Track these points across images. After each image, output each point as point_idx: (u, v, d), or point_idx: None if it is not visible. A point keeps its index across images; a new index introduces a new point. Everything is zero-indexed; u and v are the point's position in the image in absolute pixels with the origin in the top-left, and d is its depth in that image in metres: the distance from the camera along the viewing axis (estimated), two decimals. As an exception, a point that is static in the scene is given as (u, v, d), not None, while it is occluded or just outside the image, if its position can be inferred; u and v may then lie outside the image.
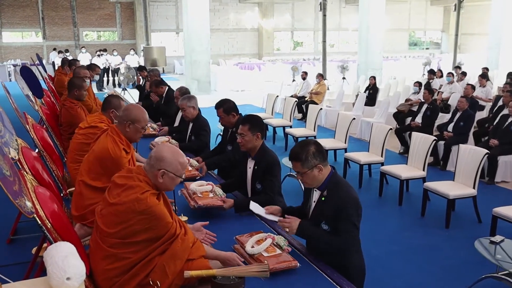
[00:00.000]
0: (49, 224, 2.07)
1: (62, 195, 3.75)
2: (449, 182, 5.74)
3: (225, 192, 3.68)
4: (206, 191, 3.45)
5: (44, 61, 23.15)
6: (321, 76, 12.31)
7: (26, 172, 2.84)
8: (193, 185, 3.47)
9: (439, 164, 7.75)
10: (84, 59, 19.05)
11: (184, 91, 5.91)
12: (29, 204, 1.97)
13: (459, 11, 21.07)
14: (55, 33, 25.86)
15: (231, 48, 28.78)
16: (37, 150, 3.81)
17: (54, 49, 23.02)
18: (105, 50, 20.74)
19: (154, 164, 2.41)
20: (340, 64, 17.27)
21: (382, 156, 6.85)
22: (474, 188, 5.46)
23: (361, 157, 6.96)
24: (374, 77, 12.10)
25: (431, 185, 5.68)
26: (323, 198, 2.81)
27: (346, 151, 7.58)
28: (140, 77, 10.07)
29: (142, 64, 16.89)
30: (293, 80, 15.74)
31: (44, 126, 4.80)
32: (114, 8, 26.69)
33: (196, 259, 2.36)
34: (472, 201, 5.57)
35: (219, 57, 26.78)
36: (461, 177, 5.63)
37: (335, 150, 8.23)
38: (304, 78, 12.88)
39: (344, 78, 15.57)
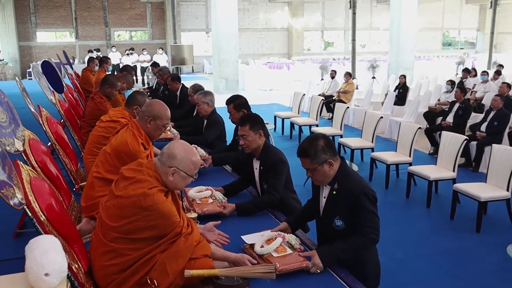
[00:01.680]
0: (43, 217, 1.96)
1: (74, 189, 3.69)
2: (480, 183, 5.46)
3: (229, 194, 3.54)
4: (205, 197, 3.29)
5: (76, 60, 23.67)
6: (349, 75, 12.05)
7: (29, 164, 2.77)
8: (192, 192, 3.32)
9: (471, 166, 7.42)
10: (114, 58, 19.33)
11: (197, 88, 5.83)
12: (19, 195, 1.86)
13: (495, 9, 20.43)
14: (87, 33, 26.27)
15: (261, 48, 28.66)
16: (49, 143, 3.75)
17: (90, 51, 23.39)
18: (132, 49, 20.97)
19: (165, 161, 2.29)
20: (370, 62, 16.92)
21: (410, 156, 6.59)
22: (508, 190, 5.16)
23: (388, 156, 6.71)
24: (404, 76, 11.75)
25: (462, 186, 5.40)
26: (334, 192, 2.62)
27: (373, 151, 7.34)
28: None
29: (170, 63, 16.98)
30: (322, 79, 15.49)
31: (62, 121, 4.77)
32: (145, 8, 26.94)
33: (199, 258, 2.21)
34: (506, 204, 5.28)
35: (248, 56, 26.70)
36: (493, 179, 5.34)
37: (361, 150, 8.00)
38: (332, 77, 12.64)
39: (373, 77, 15.22)
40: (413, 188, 6.37)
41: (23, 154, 2.77)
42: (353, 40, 16.98)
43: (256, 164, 3.51)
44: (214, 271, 2.10)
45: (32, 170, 2.24)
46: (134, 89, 9.22)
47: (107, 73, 9.26)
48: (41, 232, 1.89)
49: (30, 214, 1.88)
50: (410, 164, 6.50)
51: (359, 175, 2.67)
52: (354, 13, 16.56)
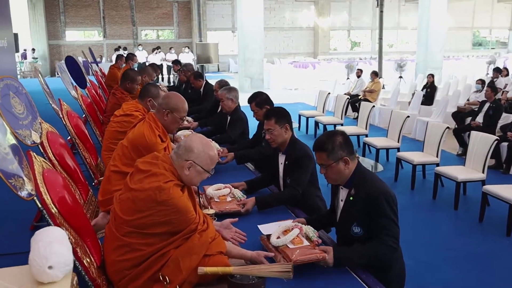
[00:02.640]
0: (54, 209, 1.91)
1: (93, 184, 3.67)
2: (512, 186, 5.25)
3: (251, 190, 3.45)
4: (224, 195, 3.21)
5: (103, 59, 23.98)
6: (375, 74, 11.84)
7: (46, 157, 2.74)
8: (210, 190, 3.25)
9: (501, 168, 7.17)
10: (140, 56, 19.49)
11: (223, 84, 5.79)
12: (29, 186, 1.82)
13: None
14: (115, 32, 26.60)
15: (286, 47, 28.54)
16: (69, 137, 3.74)
17: (117, 49, 23.66)
18: (159, 48, 21.13)
19: (182, 154, 2.22)
20: (397, 62, 16.64)
21: (437, 156, 6.40)
22: (540, 193, 4.95)
23: (415, 157, 6.53)
24: (432, 75, 11.48)
25: (491, 188, 5.20)
26: (351, 198, 2.49)
27: (398, 151, 7.16)
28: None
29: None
30: (347, 78, 15.30)
31: (84, 116, 4.77)
32: (172, 7, 27.12)
33: (214, 255, 2.14)
34: (538, 207, 5.05)
35: (274, 55, 26.61)
36: (525, 181, 5.13)
37: (387, 149, 7.81)
38: (358, 76, 12.44)
39: (400, 77, 14.94)
40: (440, 189, 6.18)
41: (40, 146, 2.74)
42: (380, 39, 16.73)
43: (282, 159, 3.42)
44: (229, 269, 2.02)
45: (46, 161, 2.20)
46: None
47: None
48: (52, 225, 1.84)
49: (40, 206, 1.84)
50: (437, 165, 6.31)
51: (377, 176, 2.53)
52: (381, 12, 16.30)
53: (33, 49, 23.93)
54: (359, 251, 2.34)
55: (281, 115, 3.36)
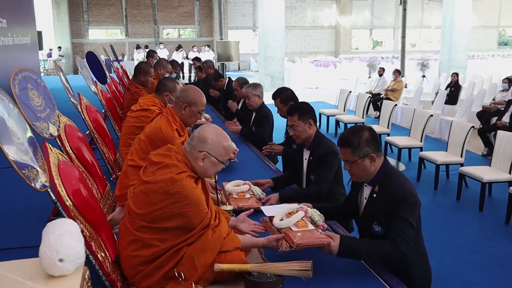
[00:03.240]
0: (69, 202, 1.87)
1: (111, 178, 3.64)
2: (540, 187, 5.07)
3: (276, 188, 3.38)
4: (243, 191, 3.13)
5: (125, 57, 24.18)
6: (397, 72, 11.65)
7: (64, 150, 2.72)
8: (229, 186, 3.18)
9: (528, 168, 6.96)
10: (161, 55, 19.58)
11: (242, 81, 5.80)
12: (43, 178, 1.78)
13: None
14: (137, 30, 26.80)
15: (307, 46, 28.38)
16: (87, 132, 3.72)
17: (137, 47, 23.84)
18: (180, 46, 21.23)
19: (195, 145, 2.15)
20: (420, 61, 16.37)
21: (461, 156, 6.23)
22: None
23: (438, 156, 6.38)
24: (456, 74, 11.24)
25: (519, 189, 5.04)
26: (374, 195, 2.38)
27: (421, 150, 7.01)
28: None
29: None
30: (369, 77, 15.10)
31: (103, 111, 4.76)
32: (193, 6, 27.20)
33: (231, 251, 2.07)
34: None
35: (295, 54, 26.48)
36: (555, 182, 4.95)
37: (409, 149, 7.66)
38: (380, 75, 12.28)
39: (423, 76, 14.68)
40: (464, 190, 6.02)
41: (57, 139, 2.71)
42: (403, 37, 16.49)
43: (306, 155, 3.35)
44: (246, 266, 1.95)
45: (62, 154, 2.16)
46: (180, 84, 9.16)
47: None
48: (66, 217, 1.80)
49: (54, 198, 1.80)
50: (462, 165, 6.15)
51: (403, 176, 2.41)
52: (404, 9, 16.07)
53: (59, 47, 24.24)
54: (367, 246, 2.24)
55: (304, 110, 3.29)
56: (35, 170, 1.75)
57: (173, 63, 8.44)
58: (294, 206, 2.42)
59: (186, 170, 2.09)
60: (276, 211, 2.45)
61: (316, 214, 2.37)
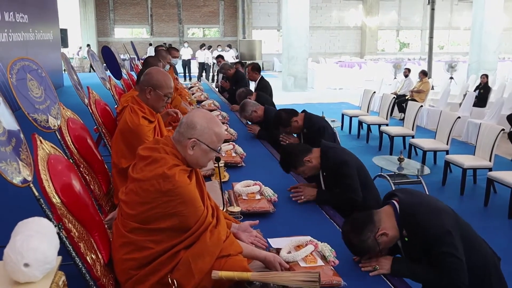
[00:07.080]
0: (56, 199, 1.71)
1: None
2: None
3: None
4: (253, 192, 2.95)
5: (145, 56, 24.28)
6: (424, 74, 11.30)
7: (64, 143, 2.58)
8: (238, 186, 3.01)
9: (561, 175, 6.60)
10: (185, 53, 19.55)
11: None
12: (25, 172, 1.63)
13: None
14: (162, 30, 26.91)
15: (332, 47, 28.04)
16: (95, 127, 3.60)
17: (150, 44, 23.91)
18: (204, 45, 21.16)
19: (184, 132, 1.96)
20: (448, 62, 15.94)
21: (490, 160, 5.92)
22: None
23: (465, 160, 6.08)
24: (486, 75, 10.83)
25: (552, 196, 4.73)
26: (406, 239, 2.19)
27: (447, 153, 6.71)
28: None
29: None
30: (394, 78, 14.75)
31: (116, 106, 4.65)
32: (218, 5, 27.15)
33: (232, 255, 1.89)
34: None
35: (320, 55, 26.17)
36: None
37: (434, 152, 7.36)
38: (406, 76, 11.93)
39: (451, 77, 14.26)
40: (492, 196, 5.72)
41: (57, 132, 2.58)
42: (431, 37, 16.08)
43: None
44: (247, 274, 1.76)
45: (55, 147, 2.02)
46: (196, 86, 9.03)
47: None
48: (49, 216, 1.65)
49: (36, 194, 1.65)
50: (490, 170, 5.84)
51: (428, 208, 2.19)
52: (432, 9, 15.67)
53: (88, 45, 24.49)
54: (423, 275, 2.15)
55: (296, 158, 3.11)
56: (16, 163, 1.60)
57: (170, 49, 8.35)
58: (303, 239, 2.24)
59: (176, 163, 1.91)
60: (284, 243, 2.26)
61: (326, 249, 2.17)
